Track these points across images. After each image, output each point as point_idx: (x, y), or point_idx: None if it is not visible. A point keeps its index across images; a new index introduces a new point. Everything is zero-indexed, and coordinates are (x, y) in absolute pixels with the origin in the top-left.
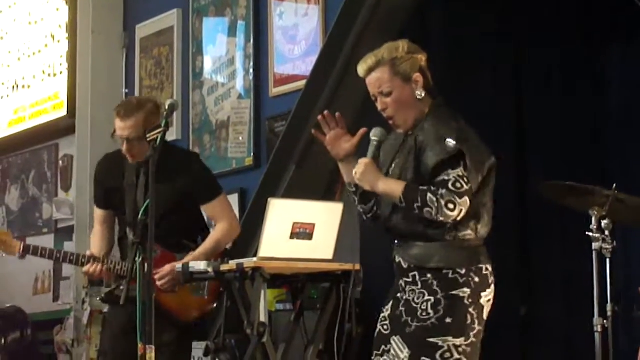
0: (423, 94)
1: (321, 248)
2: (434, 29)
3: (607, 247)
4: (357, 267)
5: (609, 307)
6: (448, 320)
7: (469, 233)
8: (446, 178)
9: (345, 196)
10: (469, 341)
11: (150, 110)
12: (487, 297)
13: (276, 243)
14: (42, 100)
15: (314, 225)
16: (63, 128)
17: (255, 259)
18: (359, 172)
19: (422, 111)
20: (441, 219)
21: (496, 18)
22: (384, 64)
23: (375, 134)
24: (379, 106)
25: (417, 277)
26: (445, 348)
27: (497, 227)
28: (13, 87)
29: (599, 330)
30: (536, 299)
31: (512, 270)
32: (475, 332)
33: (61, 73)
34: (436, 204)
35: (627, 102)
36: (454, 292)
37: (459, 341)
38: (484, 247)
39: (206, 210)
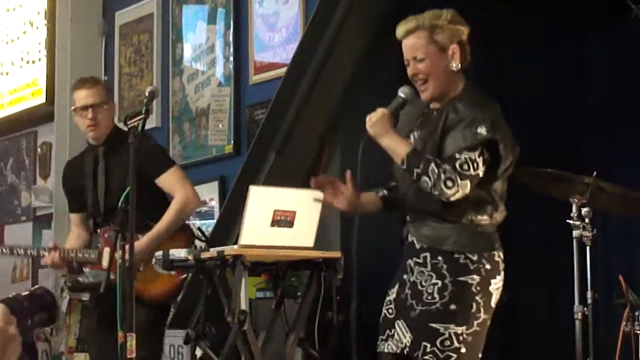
0: (459, 67)
1: (302, 236)
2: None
3: (588, 235)
4: (338, 254)
5: (589, 294)
6: (453, 307)
7: (485, 218)
8: (457, 156)
9: None
10: (471, 330)
11: (105, 85)
12: (497, 284)
13: (257, 231)
14: (20, 87)
15: (294, 212)
16: (42, 115)
17: (236, 246)
18: (372, 118)
19: (454, 85)
20: (436, 192)
21: (479, 6)
22: (423, 29)
23: (403, 91)
24: (410, 71)
25: (428, 259)
26: (446, 335)
27: None
28: None
29: (579, 317)
30: (518, 286)
31: None
32: (479, 320)
33: (40, 60)
34: (436, 176)
35: (607, 91)
36: (462, 279)
37: (460, 329)
38: (497, 233)
39: (160, 184)
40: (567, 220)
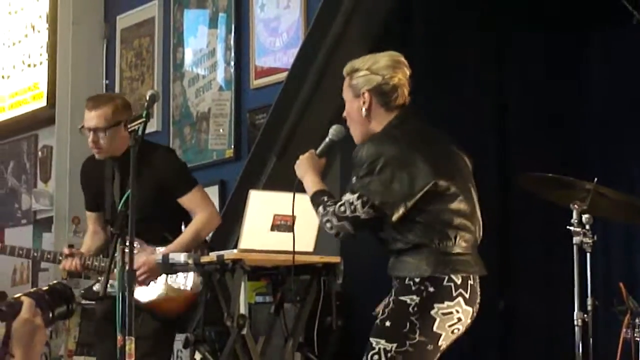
0: (365, 113)
1: (302, 240)
2: (417, 25)
3: (588, 241)
4: (338, 259)
5: (589, 301)
6: (387, 323)
7: (430, 244)
8: (342, 197)
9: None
10: (402, 349)
11: (118, 105)
12: (445, 309)
13: (257, 235)
14: (21, 90)
15: (294, 217)
16: (43, 119)
17: (235, 250)
18: (300, 158)
19: (371, 129)
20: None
21: (479, 15)
22: (348, 74)
23: (331, 132)
24: None
25: (393, 282)
26: (375, 350)
27: None
28: None
29: (579, 324)
30: (517, 293)
31: (493, 264)
32: (414, 342)
33: (41, 63)
34: (321, 217)
35: (609, 96)
36: (402, 298)
37: (390, 346)
38: (457, 256)
39: (183, 203)
40: (568, 227)
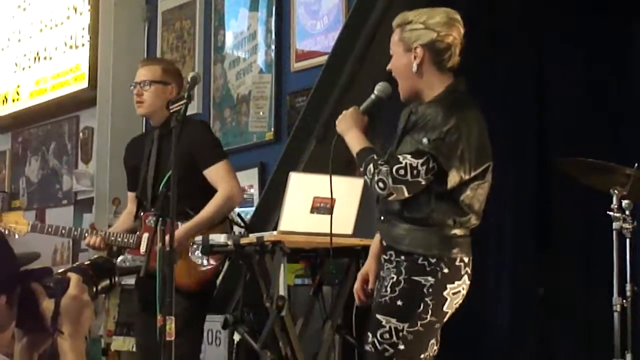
0: (415, 69)
1: (341, 223)
2: (460, 9)
3: (628, 227)
4: None
5: (628, 287)
6: (399, 302)
7: (447, 222)
8: (400, 159)
9: None
10: (413, 328)
11: (168, 67)
12: (455, 289)
13: (296, 217)
14: (63, 72)
15: (334, 200)
16: (84, 100)
17: (275, 232)
18: (343, 114)
19: (428, 86)
20: (373, 190)
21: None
22: (399, 26)
23: (378, 88)
24: None
25: (393, 257)
26: (386, 329)
27: (516, 207)
28: (35, 59)
29: (618, 310)
30: (556, 279)
31: (531, 250)
32: (425, 321)
33: (83, 45)
34: (371, 176)
35: None
36: (416, 278)
37: (401, 325)
38: (466, 238)
39: (207, 176)
40: (607, 212)
